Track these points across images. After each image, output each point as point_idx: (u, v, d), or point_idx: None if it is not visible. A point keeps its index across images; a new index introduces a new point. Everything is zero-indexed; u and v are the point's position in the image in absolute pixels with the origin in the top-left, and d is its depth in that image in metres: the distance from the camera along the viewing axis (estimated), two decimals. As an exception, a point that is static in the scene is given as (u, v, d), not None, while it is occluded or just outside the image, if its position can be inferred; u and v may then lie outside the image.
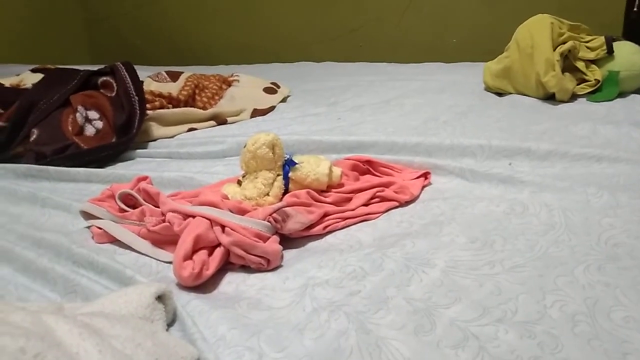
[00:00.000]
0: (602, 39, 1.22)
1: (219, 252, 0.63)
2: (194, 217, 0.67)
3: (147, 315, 0.49)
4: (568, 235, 0.63)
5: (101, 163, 1.03)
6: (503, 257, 0.60)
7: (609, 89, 1.17)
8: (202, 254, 0.62)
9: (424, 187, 0.83)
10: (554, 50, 1.19)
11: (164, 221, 0.69)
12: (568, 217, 0.68)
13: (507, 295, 0.53)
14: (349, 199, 0.78)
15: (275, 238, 0.66)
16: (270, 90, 1.44)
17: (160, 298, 0.52)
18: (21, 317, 0.39)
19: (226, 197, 0.73)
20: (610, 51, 1.20)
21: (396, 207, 0.77)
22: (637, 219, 0.65)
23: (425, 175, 0.85)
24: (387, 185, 0.81)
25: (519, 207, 0.71)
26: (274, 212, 0.68)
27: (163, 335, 0.47)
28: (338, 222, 0.73)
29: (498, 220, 0.69)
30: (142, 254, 0.68)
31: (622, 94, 1.17)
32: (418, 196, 0.80)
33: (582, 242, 0.62)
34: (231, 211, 0.68)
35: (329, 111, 1.28)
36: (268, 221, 0.67)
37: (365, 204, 0.77)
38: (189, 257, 0.61)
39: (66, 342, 0.38)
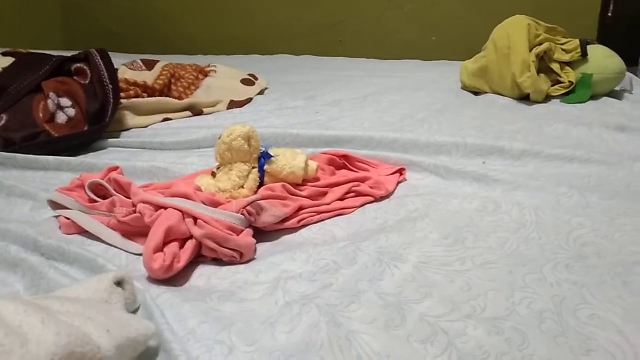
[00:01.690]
0: (577, 41, 1.24)
1: (190, 244, 0.62)
2: (166, 208, 0.66)
3: (104, 298, 0.48)
4: (538, 234, 0.64)
5: (72, 152, 1.00)
6: (474, 253, 0.60)
7: (582, 92, 1.20)
8: (174, 247, 0.61)
9: (399, 183, 0.83)
10: (530, 51, 1.21)
11: (134, 212, 0.67)
12: (539, 216, 0.69)
13: (477, 291, 0.53)
14: (325, 194, 0.78)
15: (249, 231, 0.66)
16: (248, 82, 1.42)
17: (120, 284, 0.51)
18: None
19: (200, 189, 0.72)
20: (584, 54, 1.22)
21: (371, 202, 0.77)
22: (607, 219, 0.67)
23: (401, 171, 0.85)
24: (362, 180, 0.81)
25: (492, 205, 0.72)
26: (248, 205, 0.67)
27: (117, 312, 0.45)
28: (313, 216, 0.72)
29: (470, 217, 0.69)
30: (112, 245, 0.66)
31: (594, 97, 1.20)
32: (393, 192, 0.80)
33: (552, 240, 0.63)
34: (204, 203, 0.67)
35: (307, 105, 1.27)
36: (242, 214, 0.66)
37: (341, 199, 0.77)
38: (159, 249, 0.60)
39: (9, 319, 0.37)
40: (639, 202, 0.71)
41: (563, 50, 1.25)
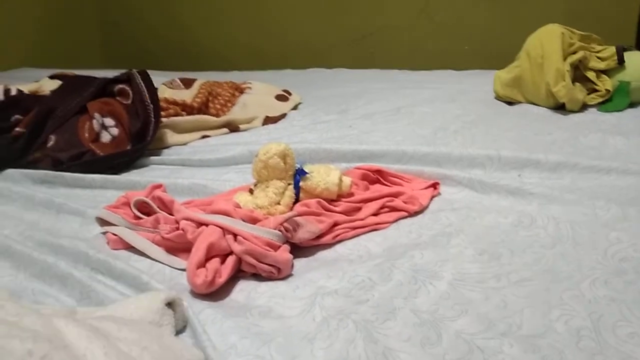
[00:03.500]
0: (612, 48, 1.22)
1: (231, 260, 0.64)
2: (207, 225, 0.68)
3: (156, 320, 0.51)
4: (575, 249, 0.64)
5: (116, 169, 1.05)
6: (510, 270, 0.61)
7: (619, 99, 1.17)
8: (215, 262, 0.63)
9: (433, 197, 0.83)
10: (565, 60, 1.19)
11: (177, 229, 0.70)
12: (575, 230, 0.68)
13: (513, 308, 0.54)
14: (359, 209, 0.79)
15: (286, 247, 0.68)
16: (282, 97, 1.45)
17: (170, 305, 0.54)
18: (32, 320, 0.40)
19: (238, 206, 0.75)
20: (620, 61, 1.20)
21: (405, 217, 0.78)
22: (645, 234, 0.66)
23: (435, 185, 0.86)
24: (396, 195, 0.82)
25: (527, 220, 0.72)
26: (285, 221, 0.69)
27: (169, 339, 0.48)
28: (347, 231, 0.74)
29: (506, 232, 0.70)
30: (156, 260, 0.69)
31: (632, 105, 1.17)
32: (427, 206, 0.80)
33: (589, 256, 0.62)
34: (243, 220, 0.69)
35: (340, 119, 1.29)
36: (279, 230, 0.68)
37: (375, 214, 0.78)
38: (202, 265, 0.62)
39: (74, 345, 0.39)
40: (679, 215, 0.70)
41: (598, 57, 1.23)
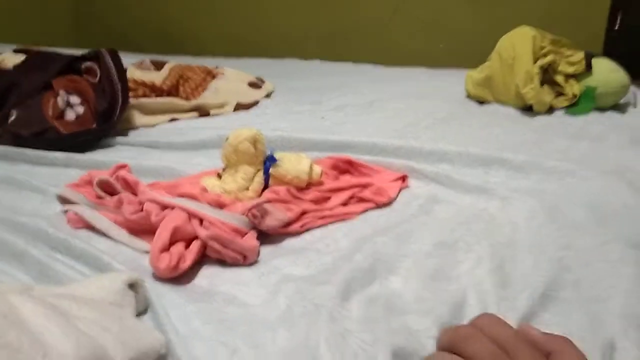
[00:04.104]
0: (582, 54, 1.25)
1: (196, 245, 0.63)
2: (172, 208, 0.67)
3: (117, 301, 0.49)
4: (525, 253, 0.65)
5: (80, 148, 1.02)
6: (466, 269, 0.62)
7: (585, 104, 1.21)
8: (179, 246, 0.62)
9: (400, 189, 0.84)
10: (535, 63, 1.22)
11: (141, 210, 0.69)
12: (531, 232, 0.69)
13: (468, 311, 0.55)
14: (328, 198, 0.79)
15: (253, 234, 0.67)
16: (255, 85, 1.44)
17: (132, 286, 0.52)
18: None
19: (205, 190, 0.74)
20: (589, 67, 1.23)
21: (373, 208, 0.78)
22: (596, 244, 0.67)
23: (403, 178, 0.86)
24: (365, 186, 0.82)
25: (487, 217, 0.73)
26: (253, 207, 0.68)
27: (130, 321, 0.47)
28: (315, 220, 0.74)
29: (467, 228, 0.70)
30: (118, 241, 0.68)
31: (599, 109, 1.21)
32: (395, 198, 0.81)
33: (536, 262, 0.63)
34: (210, 205, 0.68)
35: (313, 110, 1.28)
36: (247, 217, 0.67)
37: (343, 204, 0.78)
38: (166, 248, 0.61)
39: (30, 322, 0.38)
40: (632, 225, 0.72)
41: (567, 62, 1.26)
